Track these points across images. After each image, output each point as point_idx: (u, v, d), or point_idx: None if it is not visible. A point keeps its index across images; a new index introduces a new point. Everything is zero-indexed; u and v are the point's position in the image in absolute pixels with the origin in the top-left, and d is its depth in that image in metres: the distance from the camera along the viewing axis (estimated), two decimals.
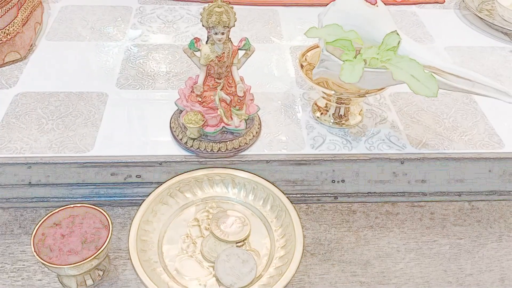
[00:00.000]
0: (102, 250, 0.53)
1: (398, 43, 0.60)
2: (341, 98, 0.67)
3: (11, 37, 0.78)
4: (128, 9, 0.96)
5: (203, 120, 0.63)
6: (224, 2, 0.58)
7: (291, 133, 0.69)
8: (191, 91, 0.65)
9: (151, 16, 0.94)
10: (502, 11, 0.94)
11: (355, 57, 0.59)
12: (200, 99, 0.64)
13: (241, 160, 0.65)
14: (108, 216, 0.56)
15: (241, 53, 0.63)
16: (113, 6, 0.96)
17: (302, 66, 0.69)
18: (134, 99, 0.74)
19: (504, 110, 0.73)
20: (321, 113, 0.71)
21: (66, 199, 0.66)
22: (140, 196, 0.64)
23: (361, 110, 0.72)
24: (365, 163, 0.66)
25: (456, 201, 0.70)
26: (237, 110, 0.65)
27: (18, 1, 0.80)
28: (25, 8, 0.83)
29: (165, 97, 0.74)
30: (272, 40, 0.89)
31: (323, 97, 0.70)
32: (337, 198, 0.69)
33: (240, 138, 0.65)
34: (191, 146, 0.64)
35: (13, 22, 0.79)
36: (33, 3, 0.86)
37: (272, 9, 0.98)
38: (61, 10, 0.94)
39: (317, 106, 0.72)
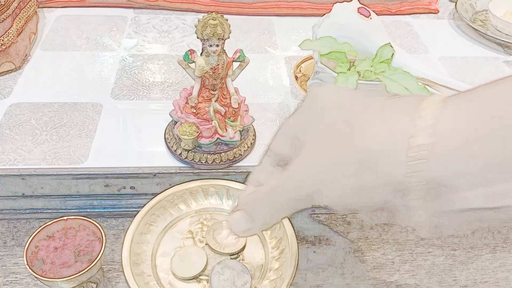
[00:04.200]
0: (95, 263, 0.53)
1: (392, 56, 0.60)
2: None
3: (6, 48, 0.78)
4: (124, 18, 0.96)
5: (197, 132, 0.63)
6: (218, 14, 0.58)
7: None
8: (186, 102, 0.65)
9: (147, 26, 0.94)
10: (496, 22, 0.95)
11: (349, 69, 0.60)
12: (194, 111, 0.64)
13: (235, 172, 0.65)
14: (102, 228, 0.56)
15: (235, 64, 0.63)
16: (108, 16, 0.96)
17: (296, 77, 0.70)
18: (129, 109, 0.74)
19: None
20: None
21: (60, 211, 0.65)
22: (134, 208, 0.63)
23: None
24: None
25: None
26: (231, 121, 0.65)
27: (13, 12, 0.80)
28: (20, 18, 0.83)
29: (160, 107, 0.74)
30: (267, 50, 0.90)
31: None
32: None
33: (234, 149, 0.65)
34: (186, 157, 0.64)
35: (8, 33, 0.78)
36: (28, 13, 0.86)
37: (267, 19, 0.99)
38: (56, 20, 0.94)
39: None
